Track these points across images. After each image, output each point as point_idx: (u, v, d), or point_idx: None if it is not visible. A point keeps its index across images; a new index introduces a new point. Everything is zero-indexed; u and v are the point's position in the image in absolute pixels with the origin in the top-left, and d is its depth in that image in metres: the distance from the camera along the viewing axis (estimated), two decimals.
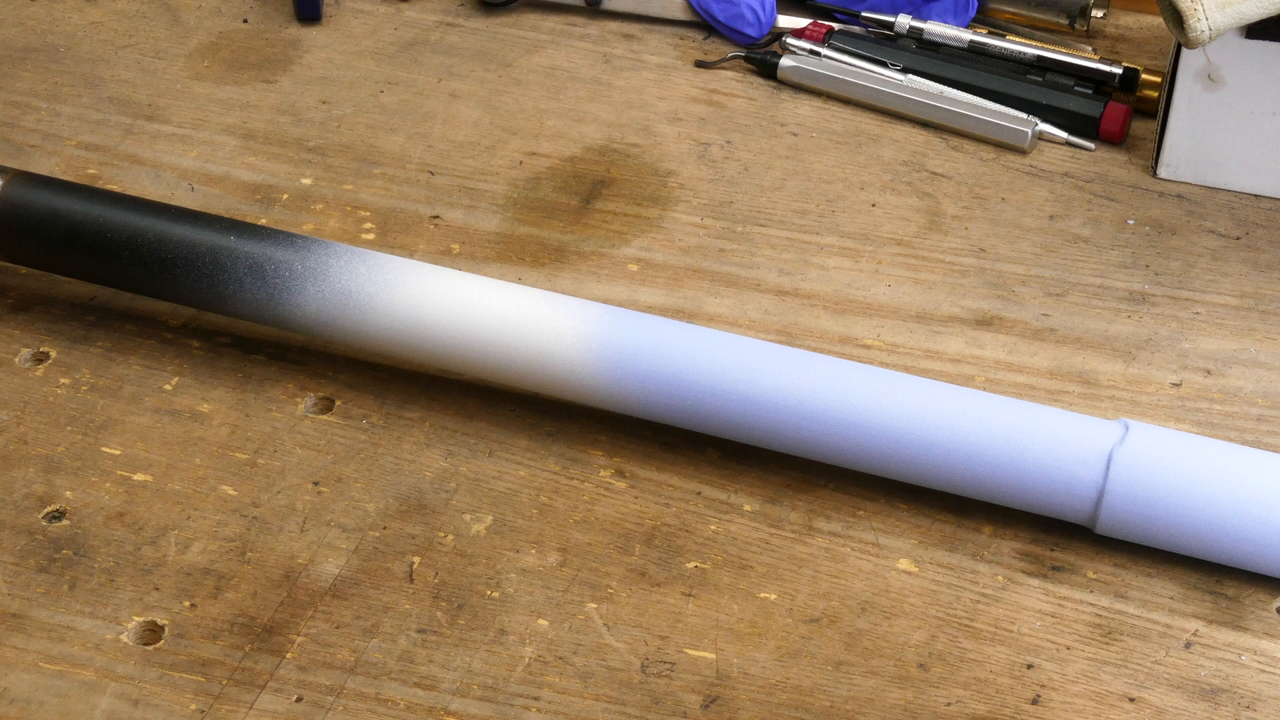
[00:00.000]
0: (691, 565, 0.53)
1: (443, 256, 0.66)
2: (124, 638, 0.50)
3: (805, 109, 0.77)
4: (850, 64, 0.78)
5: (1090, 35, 0.81)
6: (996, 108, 0.75)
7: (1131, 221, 0.69)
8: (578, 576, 0.52)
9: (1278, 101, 0.68)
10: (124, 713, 0.48)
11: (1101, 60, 0.77)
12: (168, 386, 0.59)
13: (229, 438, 0.57)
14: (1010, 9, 0.82)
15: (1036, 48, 0.78)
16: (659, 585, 0.52)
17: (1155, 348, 0.62)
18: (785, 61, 0.78)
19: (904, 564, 0.53)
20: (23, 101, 0.76)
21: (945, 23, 0.80)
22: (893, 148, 0.74)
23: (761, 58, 0.79)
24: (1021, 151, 0.74)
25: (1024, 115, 0.74)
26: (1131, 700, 0.49)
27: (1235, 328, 0.63)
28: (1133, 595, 0.52)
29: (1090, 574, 0.53)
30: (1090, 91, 0.76)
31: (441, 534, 0.54)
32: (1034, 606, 0.52)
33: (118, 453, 0.57)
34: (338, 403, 0.59)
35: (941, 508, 0.55)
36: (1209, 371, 0.61)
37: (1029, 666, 0.50)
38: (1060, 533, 0.54)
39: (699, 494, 0.55)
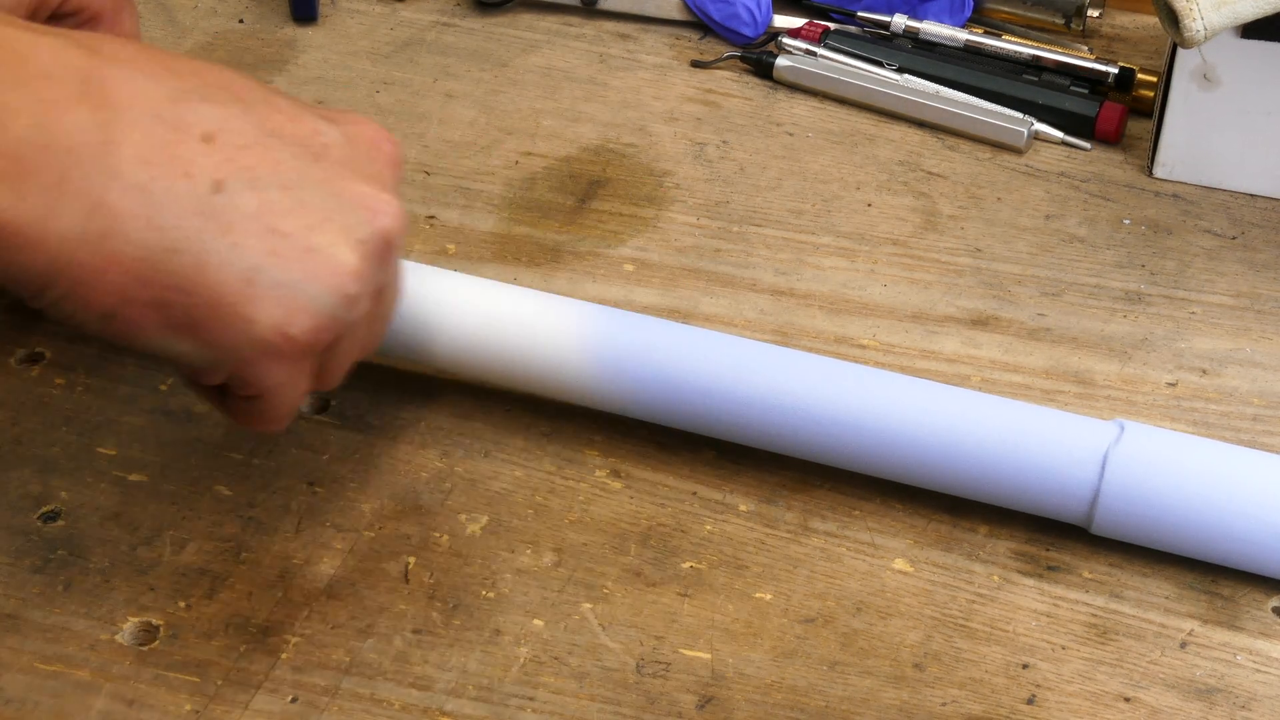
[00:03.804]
0: (687, 565, 0.53)
1: (438, 256, 0.66)
2: (119, 638, 0.50)
3: (801, 109, 0.77)
4: (846, 64, 0.78)
5: (1086, 35, 0.81)
6: (992, 107, 0.75)
7: (1127, 221, 0.69)
8: (573, 577, 0.52)
9: (1274, 101, 0.68)
10: (119, 713, 0.48)
11: (1097, 60, 0.77)
12: (163, 387, 0.59)
13: (224, 438, 0.57)
14: (1006, 9, 0.82)
15: (1032, 47, 0.78)
16: (654, 585, 0.52)
17: (1151, 347, 0.62)
18: (781, 61, 0.78)
19: (899, 564, 0.53)
20: None
21: (941, 22, 0.80)
22: (889, 147, 0.74)
23: (757, 57, 0.79)
24: (1017, 151, 0.74)
25: (1020, 115, 0.74)
26: (1127, 700, 0.49)
27: (1231, 327, 0.63)
28: (1128, 595, 0.52)
29: (1086, 574, 0.53)
30: (1086, 91, 0.76)
31: (437, 534, 0.54)
32: (1029, 606, 0.52)
33: (113, 453, 0.57)
34: (333, 403, 0.59)
35: (937, 508, 0.55)
36: (1205, 371, 0.61)
37: (1024, 666, 0.50)
38: (1056, 533, 0.54)
39: (694, 494, 0.55)
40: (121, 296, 0.43)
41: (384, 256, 0.47)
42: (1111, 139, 0.74)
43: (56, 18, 0.54)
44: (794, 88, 0.78)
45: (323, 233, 0.44)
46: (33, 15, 0.53)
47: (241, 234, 0.43)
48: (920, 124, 0.76)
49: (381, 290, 0.48)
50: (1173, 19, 0.62)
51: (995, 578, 0.53)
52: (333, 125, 0.47)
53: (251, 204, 0.43)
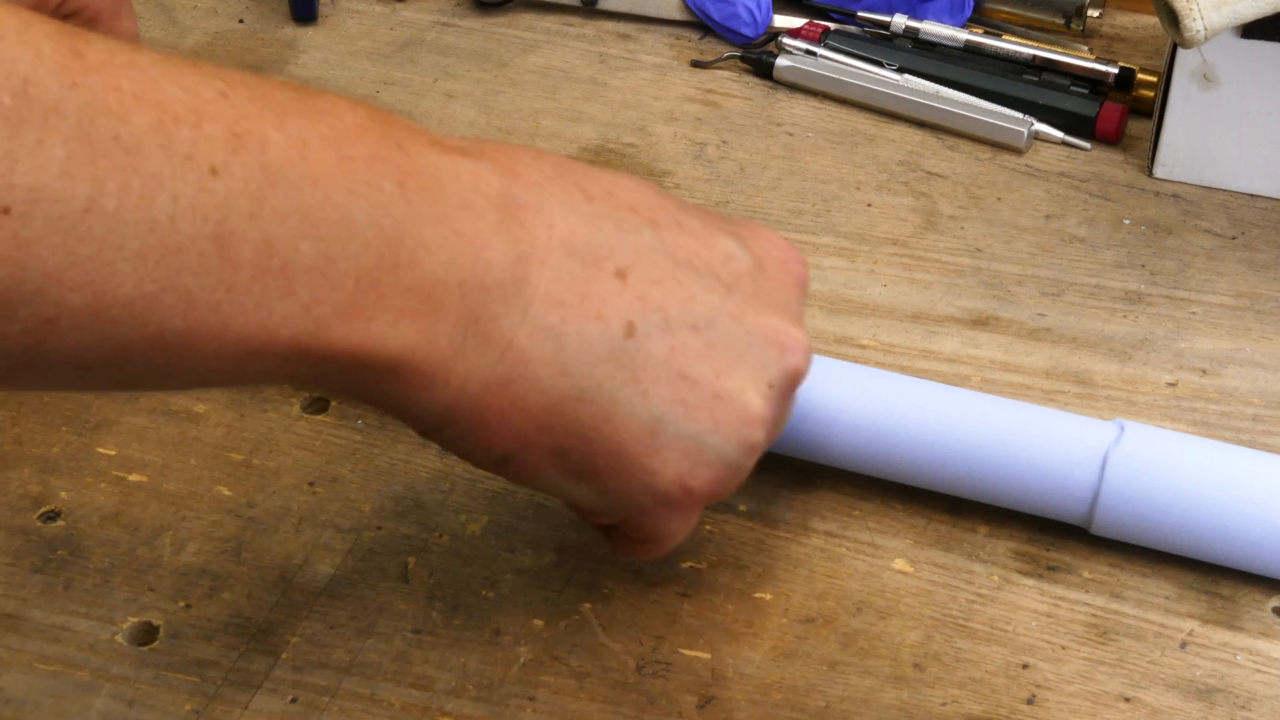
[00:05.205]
0: (687, 565, 0.53)
1: None
2: (119, 638, 0.50)
3: (801, 109, 0.77)
4: (846, 64, 0.78)
5: (1086, 35, 0.81)
6: (992, 107, 0.75)
7: (1127, 221, 0.69)
8: (573, 577, 0.52)
9: (1274, 101, 0.68)
10: (119, 713, 0.48)
11: (1097, 60, 0.77)
12: None
13: (224, 438, 0.57)
14: (1006, 9, 0.82)
15: (1032, 47, 0.78)
16: (654, 585, 0.52)
17: (1151, 348, 0.62)
18: (781, 61, 0.78)
19: (899, 564, 0.53)
20: None
21: (941, 22, 0.80)
22: (889, 147, 0.74)
23: (757, 57, 0.79)
24: (1017, 151, 0.74)
25: (1020, 115, 0.74)
26: (1127, 700, 0.49)
27: (1231, 327, 0.63)
28: (1128, 595, 0.52)
29: (1086, 574, 0.53)
30: (1086, 91, 0.76)
31: (437, 534, 0.54)
32: (1030, 606, 0.52)
33: (113, 453, 0.57)
34: (333, 402, 0.59)
35: (937, 508, 0.55)
36: (1205, 371, 0.61)
37: (1024, 666, 0.50)
38: (1056, 533, 0.54)
39: None
40: (521, 442, 0.41)
41: (789, 395, 0.45)
42: (1111, 139, 0.74)
43: (57, 17, 0.54)
44: (794, 88, 0.78)
45: (732, 378, 0.42)
46: None
47: (650, 381, 0.41)
48: (920, 124, 0.76)
49: (779, 423, 0.46)
50: (1173, 19, 0.62)
51: (995, 578, 0.53)
52: (744, 248, 0.44)
53: (662, 348, 0.41)
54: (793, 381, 0.44)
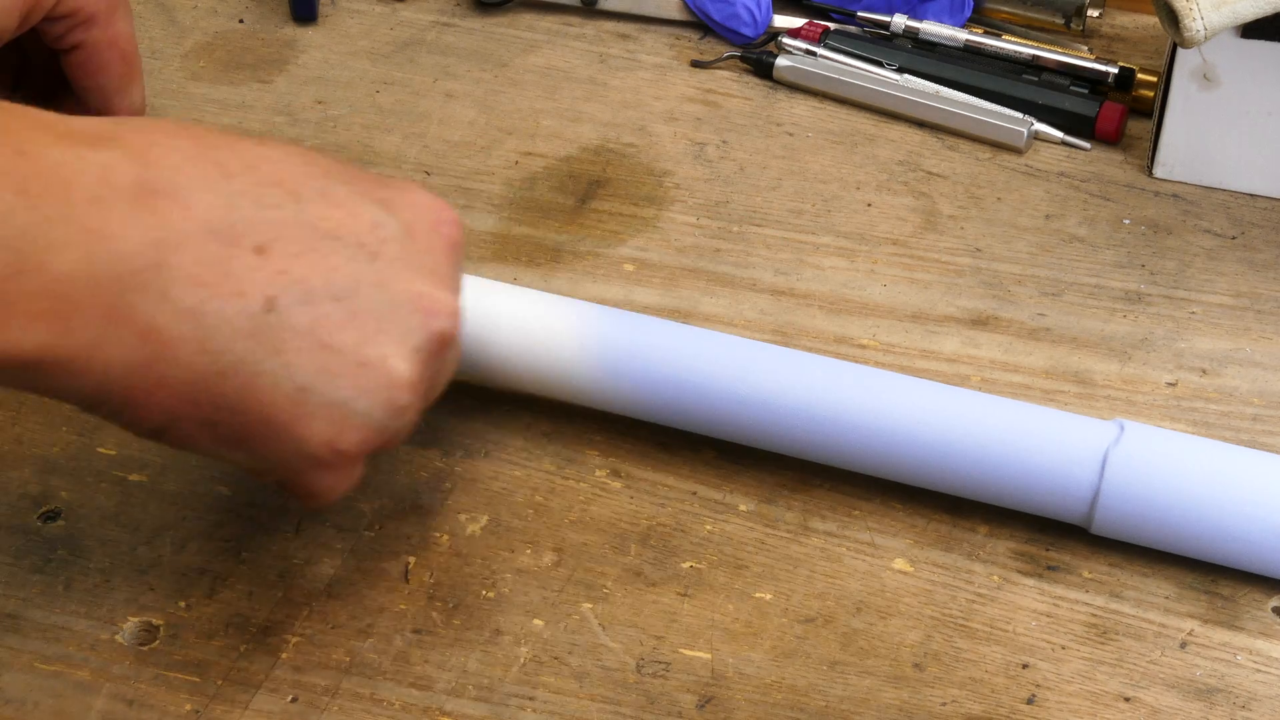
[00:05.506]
0: (687, 565, 0.53)
1: None
2: (119, 638, 0.50)
3: (801, 109, 0.77)
4: (846, 64, 0.78)
5: (1086, 35, 0.81)
6: (992, 107, 0.75)
7: (1127, 221, 0.69)
8: (573, 576, 0.52)
9: (1274, 101, 0.68)
10: (119, 713, 0.48)
11: (1097, 60, 0.77)
12: None
13: None
14: (1006, 9, 0.82)
15: (1032, 47, 0.78)
16: (654, 585, 0.52)
17: (1151, 347, 0.62)
18: (781, 61, 0.78)
19: (899, 564, 0.53)
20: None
21: (941, 22, 0.80)
22: (889, 147, 0.74)
23: (757, 57, 0.79)
24: (1017, 151, 0.74)
25: (1020, 115, 0.74)
26: (1127, 700, 0.49)
27: (1231, 327, 0.63)
28: (1128, 595, 0.52)
29: (1086, 574, 0.53)
30: (1086, 91, 0.76)
31: (437, 534, 0.54)
32: (1029, 606, 0.52)
33: (113, 453, 0.57)
34: None
35: (937, 507, 0.55)
36: (1205, 371, 0.61)
37: (1024, 666, 0.50)
38: (1056, 532, 0.54)
39: (694, 494, 0.55)
40: (171, 415, 0.42)
41: (438, 357, 0.46)
42: (1111, 139, 0.74)
43: (50, 20, 0.54)
44: (794, 88, 0.78)
45: (376, 345, 0.44)
46: (26, 18, 0.53)
47: (293, 353, 0.42)
48: (920, 124, 0.76)
49: (433, 382, 0.47)
50: (1173, 19, 0.62)
51: (995, 578, 0.53)
52: (391, 214, 0.45)
53: (304, 320, 0.42)
54: (440, 344, 0.46)
